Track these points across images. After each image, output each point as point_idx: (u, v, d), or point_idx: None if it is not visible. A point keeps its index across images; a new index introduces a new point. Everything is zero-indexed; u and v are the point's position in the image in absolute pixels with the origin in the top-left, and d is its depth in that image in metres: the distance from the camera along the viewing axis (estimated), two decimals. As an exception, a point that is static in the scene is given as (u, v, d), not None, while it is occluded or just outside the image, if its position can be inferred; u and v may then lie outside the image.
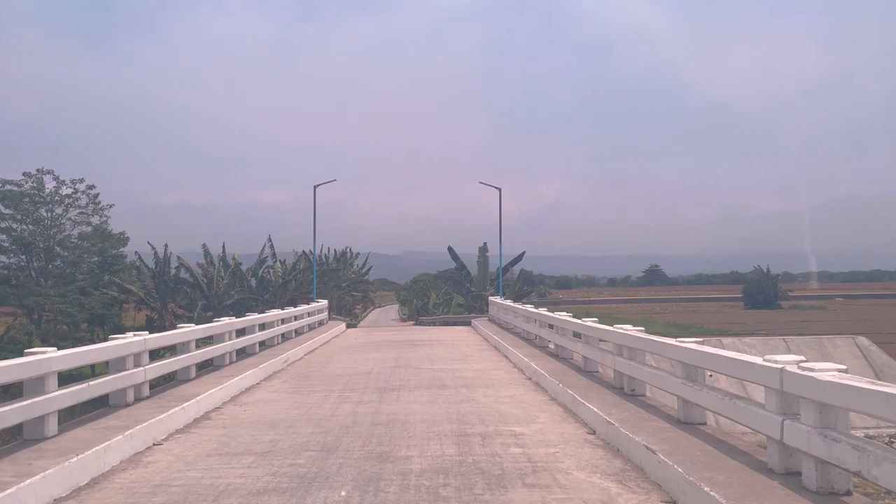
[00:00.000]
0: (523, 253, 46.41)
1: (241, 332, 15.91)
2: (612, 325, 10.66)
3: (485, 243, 43.84)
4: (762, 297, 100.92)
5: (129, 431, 7.69)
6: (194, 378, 11.81)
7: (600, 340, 11.86)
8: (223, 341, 13.70)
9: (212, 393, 10.54)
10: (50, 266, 33.43)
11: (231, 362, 14.02)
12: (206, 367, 13.89)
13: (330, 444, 7.83)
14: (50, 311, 30.26)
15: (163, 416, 8.60)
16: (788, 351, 30.76)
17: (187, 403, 9.48)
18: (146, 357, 9.91)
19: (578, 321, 12.42)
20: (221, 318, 14.29)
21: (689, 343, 7.48)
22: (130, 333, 9.83)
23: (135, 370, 9.47)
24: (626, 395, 9.47)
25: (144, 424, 8.07)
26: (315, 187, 28.54)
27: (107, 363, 9.29)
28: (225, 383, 11.32)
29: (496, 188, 29.38)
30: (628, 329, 9.64)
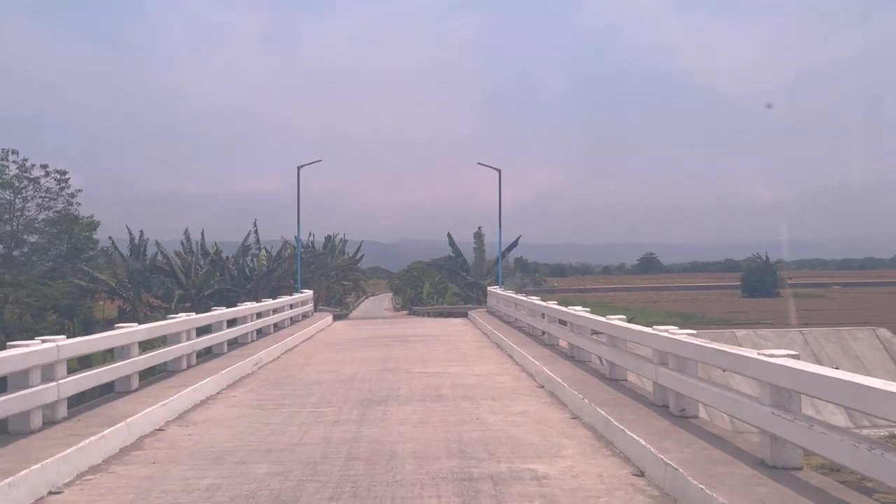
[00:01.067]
0: (519, 238, 44.24)
1: (205, 330, 13.82)
2: (650, 326, 8.59)
3: (479, 228, 41.66)
4: (761, 285, 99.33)
5: (10, 479, 5.57)
6: (136, 389, 9.68)
7: (628, 342, 9.85)
8: (179, 342, 11.56)
9: (151, 411, 8.42)
10: (15, 253, 31.16)
11: (189, 366, 11.90)
12: (159, 371, 11.85)
13: (286, 496, 5.73)
14: (14, 303, 28.02)
15: (69, 450, 6.48)
16: (806, 344, 28.83)
17: (111, 430, 7.35)
18: (62, 368, 7.79)
19: (602, 319, 10.35)
20: (178, 315, 12.16)
21: (782, 358, 5.41)
22: (38, 339, 7.72)
23: (43, 386, 7.35)
24: (674, 416, 7.40)
25: (37, 466, 5.96)
26: (299, 168, 26.36)
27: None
28: (172, 396, 9.20)
29: (496, 169, 27.31)
30: (676, 333, 7.57)
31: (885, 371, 26.59)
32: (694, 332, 7.58)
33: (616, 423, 7.18)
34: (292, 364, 14.07)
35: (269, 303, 18.83)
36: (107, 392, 9.68)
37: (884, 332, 29.79)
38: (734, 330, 30.44)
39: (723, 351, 6.26)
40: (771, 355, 5.49)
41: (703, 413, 7.63)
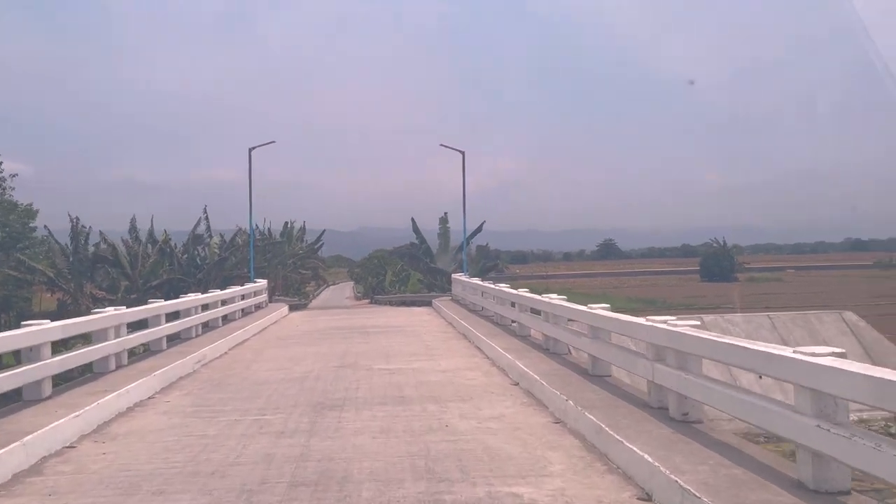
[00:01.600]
0: (483, 223, 43.21)
1: (141, 325, 12.48)
2: (643, 317, 7.57)
3: (445, 213, 40.54)
4: (718, 270, 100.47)
5: None
6: (48, 397, 8.29)
7: (612, 333, 8.85)
8: (106, 339, 10.19)
9: (60, 424, 7.09)
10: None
11: (119, 367, 10.53)
12: (85, 372, 10.49)
13: (209, 541, 4.53)
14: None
15: (-62, 483, 5.17)
16: (774, 329, 28.37)
17: (2, 451, 6.03)
18: (-57, 377, 6.42)
19: (583, 308, 9.30)
20: (105, 309, 10.79)
21: (827, 357, 4.39)
22: None
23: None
24: (676, 422, 6.37)
25: None
26: (251, 150, 24.82)
27: None
28: (89, 405, 7.87)
29: (459, 151, 26.14)
30: (677, 325, 6.52)
31: (854, 355, 26.33)
32: (698, 322, 6.57)
33: (610, 432, 6.12)
34: (239, 361, 12.76)
35: (216, 293, 17.43)
36: (15, 400, 8.32)
37: (850, 316, 29.55)
38: (702, 315, 29.95)
39: (745, 348, 5.22)
40: (813, 354, 4.46)
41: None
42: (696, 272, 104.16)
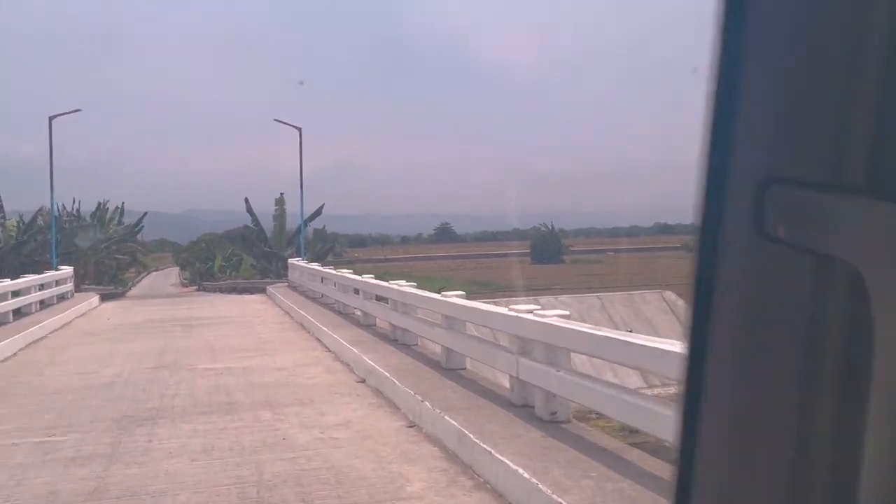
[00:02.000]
0: (322, 206, 41.69)
1: None
2: (504, 306, 6.93)
3: (282, 194, 38.45)
4: (548, 253, 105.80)
5: None
6: None
7: (467, 323, 8.18)
8: None
9: None
10: None
11: None
12: None
13: None
14: None
15: None
16: (603, 308, 29.75)
17: None
18: None
19: (438, 297, 8.55)
20: None
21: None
22: None
23: None
24: (545, 422, 5.76)
25: None
26: (51, 118, 21.70)
27: None
28: None
29: (296, 128, 24.57)
30: (546, 315, 5.90)
31: (673, 332, 28.19)
32: (566, 312, 6.00)
33: (475, 440, 5.37)
34: (31, 364, 10.74)
35: (5, 283, 14.85)
36: None
37: (669, 295, 31.65)
38: (537, 297, 30.69)
39: (630, 343, 4.63)
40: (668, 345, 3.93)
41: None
42: (528, 255, 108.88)
